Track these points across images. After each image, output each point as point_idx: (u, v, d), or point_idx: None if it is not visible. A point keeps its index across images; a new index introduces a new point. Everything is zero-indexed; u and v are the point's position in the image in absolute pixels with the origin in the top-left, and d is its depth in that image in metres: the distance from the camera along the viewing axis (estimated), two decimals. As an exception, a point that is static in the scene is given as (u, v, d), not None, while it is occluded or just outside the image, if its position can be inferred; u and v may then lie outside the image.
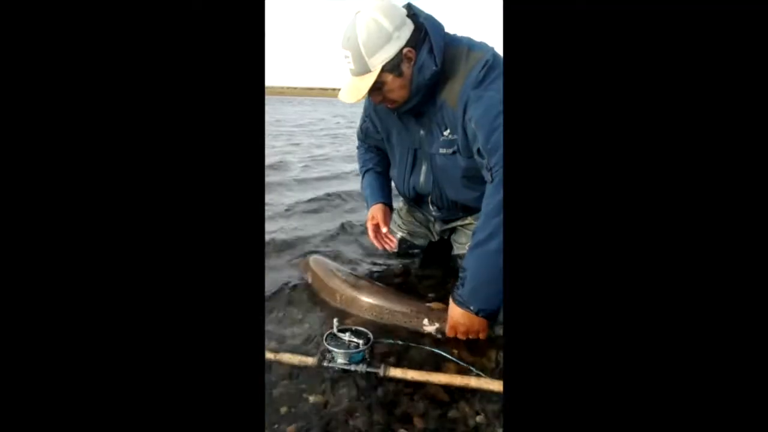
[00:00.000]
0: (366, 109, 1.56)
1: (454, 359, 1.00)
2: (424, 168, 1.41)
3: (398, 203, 1.72)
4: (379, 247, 1.52)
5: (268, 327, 1.14)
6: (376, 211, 1.51)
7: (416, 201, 1.59)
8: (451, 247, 1.61)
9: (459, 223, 1.56)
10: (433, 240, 1.66)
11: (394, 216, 1.70)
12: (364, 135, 1.63)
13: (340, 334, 1.00)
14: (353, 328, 1.03)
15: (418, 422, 0.83)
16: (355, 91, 1.20)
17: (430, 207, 1.52)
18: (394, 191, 1.63)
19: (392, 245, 1.50)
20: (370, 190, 1.58)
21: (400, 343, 1.07)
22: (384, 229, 1.48)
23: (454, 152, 1.29)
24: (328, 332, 1.00)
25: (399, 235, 1.67)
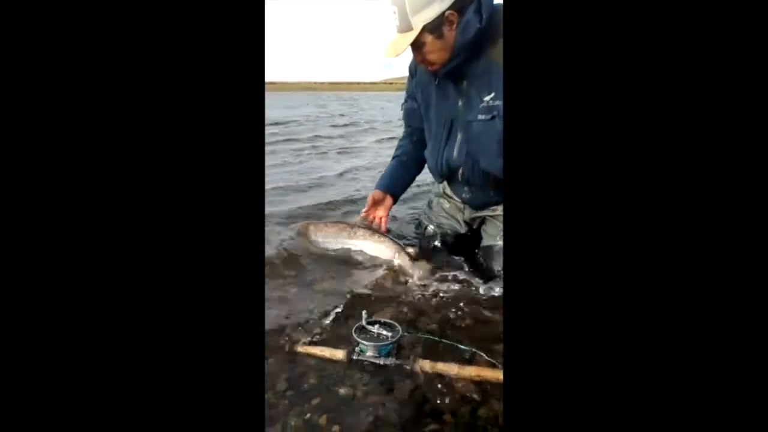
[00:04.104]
0: (408, 90, 1.60)
1: (483, 354, 0.98)
2: (459, 138, 1.41)
3: (430, 195, 1.71)
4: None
5: (298, 318, 1.15)
6: (370, 196, 1.62)
7: (448, 178, 1.59)
8: (479, 239, 1.58)
9: (488, 213, 1.53)
10: (461, 232, 1.64)
11: (425, 208, 1.70)
12: (405, 115, 1.67)
13: (369, 327, 1.00)
14: (382, 320, 1.03)
15: (448, 418, 0.82)
16: (395, 46, 1.25)
17: (461, 185, 1.52)
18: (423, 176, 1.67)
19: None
20: (382, 176, 1.68)
21: (431, 336, 1.06)
22: (362, 213, 1.61)
23: (492, 117, 1.29)
24: (357, 325, 1.01)
25: (429, 227, 1.67)
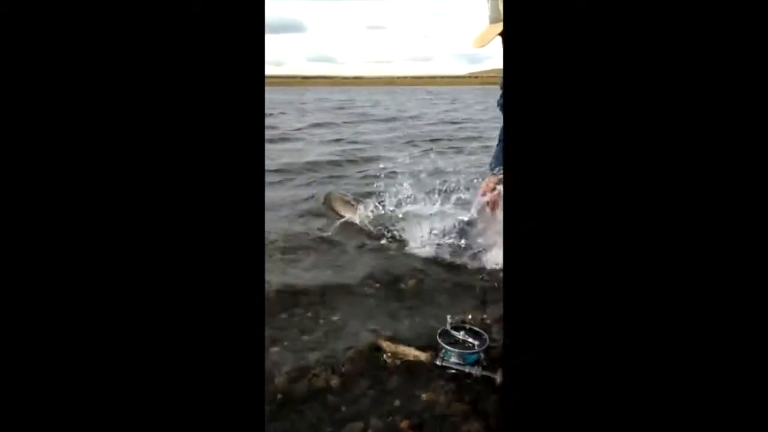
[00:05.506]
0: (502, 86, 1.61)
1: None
2: None
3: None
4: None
5: (383, 318, 1.15)
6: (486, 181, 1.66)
7: None
8: None
9: None
10: None
11: None
12: (502, 110, 1.70)
13: (454, 332, 0.97)
14: (468, 326, 0.99)
15: (538, 437, 0.76)
16: (483, 36, 1.26)
17: None
18: None
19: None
20: (494, 156, 1.74)
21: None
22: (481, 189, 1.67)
23: None
24: (441, 329, 0.98)
25: None
